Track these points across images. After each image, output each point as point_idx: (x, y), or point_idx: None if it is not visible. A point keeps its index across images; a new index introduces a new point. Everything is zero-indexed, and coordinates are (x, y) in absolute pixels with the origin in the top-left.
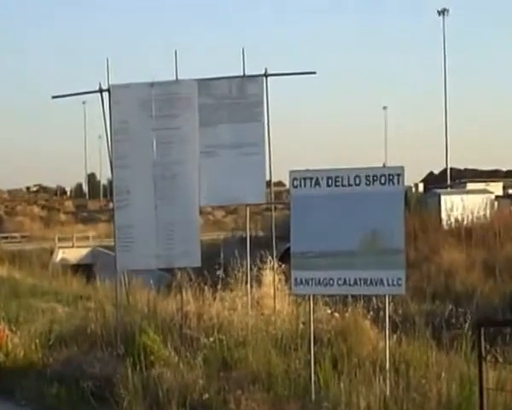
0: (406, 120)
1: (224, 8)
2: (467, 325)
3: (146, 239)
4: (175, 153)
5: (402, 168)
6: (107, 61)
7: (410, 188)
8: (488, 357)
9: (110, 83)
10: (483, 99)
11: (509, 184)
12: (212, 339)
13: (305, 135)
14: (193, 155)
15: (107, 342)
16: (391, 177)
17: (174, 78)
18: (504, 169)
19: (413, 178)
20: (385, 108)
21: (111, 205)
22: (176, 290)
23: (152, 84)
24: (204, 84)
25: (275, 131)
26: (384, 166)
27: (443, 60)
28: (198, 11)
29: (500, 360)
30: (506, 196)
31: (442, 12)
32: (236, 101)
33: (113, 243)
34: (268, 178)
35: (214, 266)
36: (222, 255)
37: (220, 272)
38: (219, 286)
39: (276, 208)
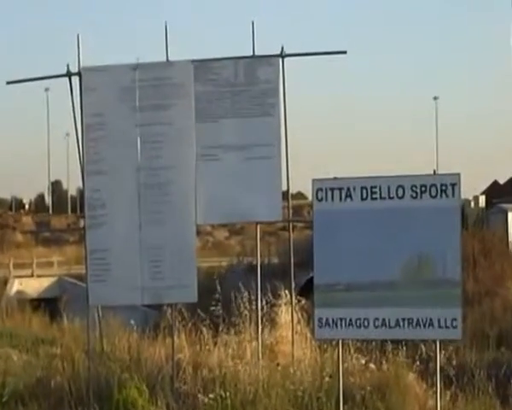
0: (462, 112)
1: None
2: None
3: (127, 267)
4: (165, 155)
5: (458, 176)
6: (78, 37)
7: (468, 202)
8: None
9: (82, 65)
10: None
11: None
12: (212, 396)
13: (332, 135)
14: (188, 159)
15: (76, 400)
16: (443, 187)
17: (164, 58)
18: None
19: (472, 189)
20: (436, 98)
21: (82, 223)
22: (165, 333)
23: (136, 67)
24: (202, 66)
25: (294, 128)
26: (435, 173)
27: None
28: None
29: None
30: None
31: None
32: (244, 89)
33: (83, 272)
34: (285, 189)
35: (215, 302)
36: (224, 287)
37: (221, 310)
38: (221, 328)
39: (294, 228)
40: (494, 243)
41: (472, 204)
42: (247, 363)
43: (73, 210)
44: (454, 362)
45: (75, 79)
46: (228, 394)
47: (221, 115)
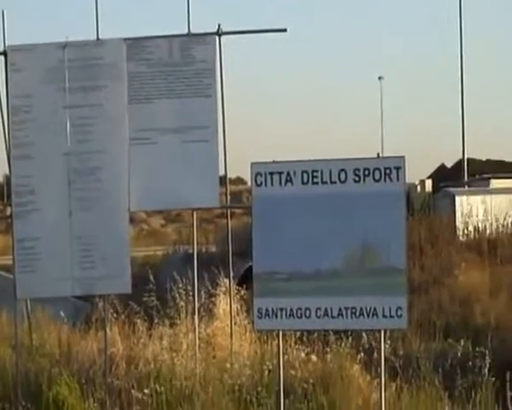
0: (409, 95)
1: None
2: (489, 370)
3: (56, 256)
4: (96, 139)
5: (402, 159)
6: (3, 14)
7: (414, 186)
8: None
9: (7, 44)
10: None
11: None
12: (147, 391)
13: (271, 117)
14: (121, 143)
15: (3, 398)
16: (388, 171)
17: (94, 37)
18: None
19: (418, 172)
20: (380, 78)
21: (8, 210)
22: (97, 326)
23: (64, 46)
24: (135, 45)
25: (231, 110)
26: (379, 156)
27: (459, 28)
28: None
29: None
30: None
31: None
32: (179, 68)
33: (10, 262)
34: (222, 174)
35: (149, 293)
36: (159, 278)
37: (156, 301)
38: (156, 320)
39: (233, 214)
40: (441, 230)
41: (418, 188)
42: (183, 356)
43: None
44: (399, 353)
45: (0, 59)
46: (163, 389)
47: (155, 96)
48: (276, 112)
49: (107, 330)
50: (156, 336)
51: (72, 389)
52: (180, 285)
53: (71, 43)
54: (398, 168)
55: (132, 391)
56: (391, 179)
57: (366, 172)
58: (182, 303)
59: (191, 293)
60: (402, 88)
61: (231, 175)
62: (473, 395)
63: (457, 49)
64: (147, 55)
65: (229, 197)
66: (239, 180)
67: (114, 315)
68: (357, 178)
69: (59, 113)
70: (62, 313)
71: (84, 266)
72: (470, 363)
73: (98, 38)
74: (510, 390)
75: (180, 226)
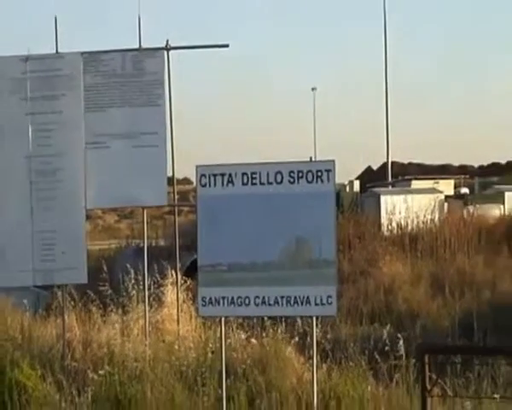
0: (340, 104)
1: None
2: (410, 352)
3: (19, 250)
4: (56, 143)
5: (332, 163)
6: None
7: (344, 186)
8: (435, 390)
9: None
10: (430, 82)
11: (462, 182)
12: (101, 372)
13: (216, 123)
14: (78, 146)
15: None
16: (319, 173)
17: (54, 50)
18: (456, 164)
19: (347, 174)
20: (314, 89)
21: None
22: (56, 313)
23: (26, 59)
24: (91, 58)
25: (179, 117)
26: (311, 160)
27: (383, 39)
28: None
29: (449, 392)
30: (458, 196)
31: None
32: (131, 80)
33: None
34: (170, 175)
35: (104, 283)
36: (113, 269)
37: (109, 290)
38: (110, 307)
39: (180, 212)
40: (367, 226)
41: (347, 188)
42: (134, 341)
43: None
44: (330, 337)
45: None
46: (116, 370)
47: (109, 105)
48: (222, 117)
49: (65, 316)
50: (110, 323)
51: (32, 371)
52: (132, 276)
53: (32, 57)
54: (328, 171)
55: (88, 372)
56: (322, 181)
57: (300, 175)
58: (133, 292)
59: (142, 283)
60: (334, 99)
61: (179, 176)
62: (395, 375)
63: (383, 65)
64: (102, 67)
65: (176, 196)
66: (186, 181)
67: (72, 303)
68: (291, 180)
69: (21, 119)
70: (25, 302)
71: (45, 259)
72: (393, 346)
73: (57, 52)
74: (429, 371)
75: (132, 222)
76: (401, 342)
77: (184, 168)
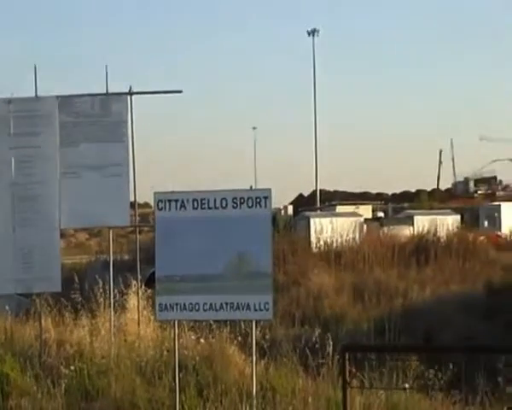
0: (276, 140)
1: (88, 24)
2: (334, 351)
3: (3, 263)
4: (35, 173)
5: (269, 191)
6: None
7: (280, 210)
8: (355, 382)
9: None
10: (352, 122)
11: (378, 207)
12: (72, 368)
13: (175, 155)
14: (54, 175)
15: None
16: (258, 199)
17: (33, 94)
18: (373, 192)
19: (282, 200)
20: (254, 128)
21: None
22: (35, 317)
23: (9, 101)
24: (65, 101)
25: (144, 150)
26: (251, 188)
27: (313, 79)
28: (60, 25)
29: (367, 385)
30: (375, 218)
31: (312, 32)
32: (99, 119)
33: None
34: (132, 200)
35: (75, 291)
36: (84, 279)
37: (80, 298)
38: (81, 313)
39: (141, 231)
40: (299, 243)
41: (282, 212)
42: (101, 340)
43: None
44: (267, 337)
45: None
46: (85, 365)
47: (81, 141)
48: (178, 153)
49: (42, 320)
50: (80, 325)
51: (14, 366)
52: (100, 286)
53: (15, 99)
54: (266, 198)
55: (61, 368)
56: (260, 206)
57: (242, 201)
58: (101, 300)
59: (108, 291)
60: (272, 136)
61: (140, 200)
62: (322, 370)
63: (312, 104)
64: (74, 108)
65: (138, 218)
66: (146, 204)
67: (48, 309)
68: (235, 205)
69: (6, 152)
70: (7, 307)
71: (25, 271)
72: (321, 345)
73: (36, 96)
74: (349, 366)
75: (100, 240)
76: (327, 341)
77: (145, 194)
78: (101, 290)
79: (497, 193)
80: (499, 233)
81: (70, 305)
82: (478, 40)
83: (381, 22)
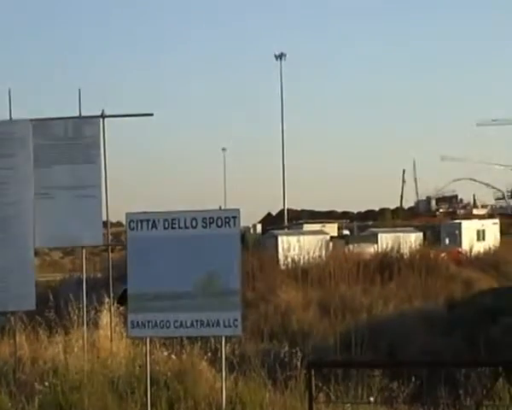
0: (245, 161)
1: (61, 52)
2: (301, 365)
3: None
4: (10, 194)
5: (238, 211)
6: None
7: (249, 229)
8: (321, 396)
9: None
10: (318, 141)
11: (344, 225)
12: (46, 384)
13: (147, 175)
14: (28, 196)
15: None
16: (227, 219)
17: (8, 117)
18: (339, 210)
19: (251, 218)
20: (224, 149)
21: None
22: (9, 334)
23: None
24: (39, 124)
25: (118, 170)
26: (220, 208)
27: (280, 102)
28: (33, 54)
29: (333, 398)
30: (340, 236)
31: (279, 56)
32: (73, 142)
33: None
34: (105, 220)
35: (49, 309)
36: (58, 297)
37: (54, 315)
38: (55, 330)
39: (114, 249)
40: (267, 261)
41: (251, 230)
42: (75, 357)
43: None
44: (237, 352)
45: None
46: (59, 382)
47: (55, 162)
48: (148, 174)
49: (17, 337)
50: (54, 342)
51: None
52: (74, 303)
53: None
54: (234, 217)
55: (35, 384)
56: (229, 225)
57: (211, 220)
58: (74, 317)
59: (82, 309)
60: (241, 157)
61: (113, 219)
62: (289, 383)
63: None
64: (48, 131)
65: (110, 237)
66: (119, 224)
67: (22, 326)
68: (204, 225)
69: None
70: None
71: (0, 290)
72: (288, 360)
73: (11, 119)
74: (316, 380)
75: (74, 258)
76: (295, 356)
77: (118, 213)
78: (74, 308)
79: (458, 211)
80: (460, 250)
81: (44, 322)
82: (437, 62)
83: (349, 46)
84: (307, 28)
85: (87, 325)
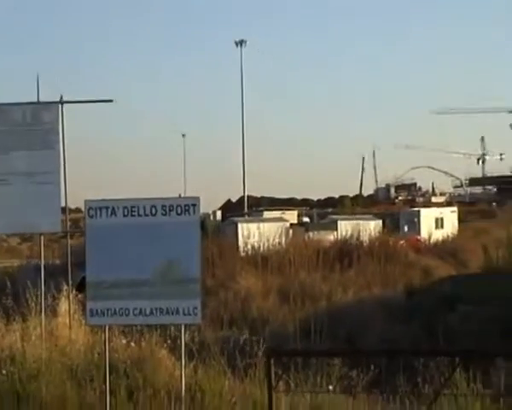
0: (205, 147)
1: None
2: (260, 353)
3: None
4: None
5: (198, 199)
6: None
7: (209, 215)
8: (281, 384)
9: None
10: (278, 128)
11: (304, 213)
12: (4, 372)
13: (106, 162)
14: None
15: None
16: (187, 207)
17: None
18: (299, 198)
19: (211, 205)
20: (184, 135)
21: None
22: None
23: None
24: None
25: (75, 156)
26: (180, 196)
27: (240, 88)
28: None
29: (292, 386)
30: (300, 223)
31: (240, 43)
32: (30, 128)
33: None
34: (64, 206)
35: (7, 296)
36: (15, 284)
37: (11, 302)
38: (12, 317)
39: (73, 236)
40: (227, 248)
41: (211, 217)
42: (33, 345)
43: None
44: (196, 340)
45: None
46: (17, 370)
47: (12, 149)
48: (108, 158)
49: None
50: (12, 330)
51: None
52: (31, 290)
53: None
54: (194, 205)
55: None
56: (189, 213)
57: (171, 208)
58: (32, 304)
59: (40, 296)
60: (201, 143)
61: (72, 206)
62: (249, 371)
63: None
64: (5, 117)
65: (69, 223)
66: (78, 210)
67: None
68: (164, 213)
69: None
70: None
71: None
72: (248, 348)
73: None
74: (275, 369)
75: (32, 244)
76: (255, 343)
77: (77, 199)
78: (32, 295)
79: (417, 199)
80: (419, 237)
81: (1, 309)
82: (395, 51)
83: (307, 33)
84: (267, 16)
85: (45, 312)
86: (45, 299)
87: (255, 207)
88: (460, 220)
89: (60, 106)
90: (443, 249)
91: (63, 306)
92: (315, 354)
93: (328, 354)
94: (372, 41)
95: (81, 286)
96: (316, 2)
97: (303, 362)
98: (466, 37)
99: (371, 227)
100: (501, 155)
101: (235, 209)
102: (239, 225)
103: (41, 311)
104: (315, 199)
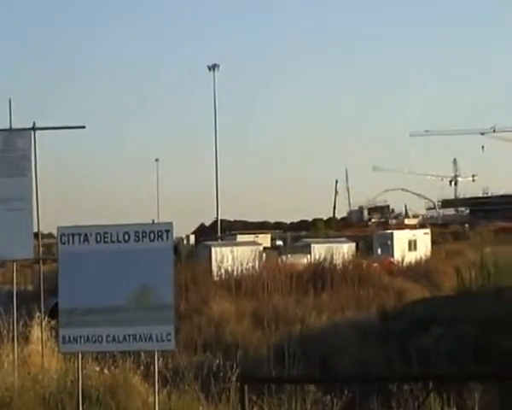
0: (178, 171)
1: None
2: (234, 378)
3: None
4: None
5: (171, 224)
6: None
7: (182, 239)
8: (255, 409)
9: None
10: (251, 152)
11: (277, 236)
12: None
13: (80, 187)
14: None
15: None
16: (160, 233)
17: None
18: (272, 221)
19: (185, 229)
20: (157, 160)
21: None
22: None
23: None
24: None
25: (47, 181)
26: (153, 221)
27: (213, 112)
28: None
29: None
30: (274, 247)
31: (213, 67)
32: (4, 155)
33: None
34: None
35: None
36: None
37: None
38: None
39: (45, 262)
40: (201, 272)
41: (185, 241)
42: (5, 373)
43: None
44: (170, 366)
45: None
46: None
47: None
48: (83, 187)
49: None
50: None
51: None
52: (3, 317)
53: None
54: (167, 231)
55: None
56: (162, 239)
57: (144, 234)
58: (4, 331)
59: (12, 323)
60: (175, 169)
61: (44, 231)
62: (223, 396)
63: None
64: None
65: (41, 249)
66: (50, 235)
67: None
68: (137, 239)
69: None
70: None
71: None
72: (222, 373)
73: None
74: (249, 394)
75: (5, 271)
76: (228, 368)
77: (49, 225)
78: (4, 322)
79: (390, 221)
80: (392, 260)
81: None
82: (370, 72)
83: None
84: (239, 39)
85: (17, 339)
86: (18, 326)
87: (228, 230)
88: (433, 242)
89: (32, 132)
90: (416, 272)
91: (36, 333)
92: (288, 380)
93: (301, 382)
94: (346, 64)
95: (54, 313)
96: (289, 27)
97: (277, 387)
98: (437, 60)
99: (345, 250)
100: (473, 176)
101: (208, 233)
102: (212, 249)
103: (13, 338)
104: (288, 222)
